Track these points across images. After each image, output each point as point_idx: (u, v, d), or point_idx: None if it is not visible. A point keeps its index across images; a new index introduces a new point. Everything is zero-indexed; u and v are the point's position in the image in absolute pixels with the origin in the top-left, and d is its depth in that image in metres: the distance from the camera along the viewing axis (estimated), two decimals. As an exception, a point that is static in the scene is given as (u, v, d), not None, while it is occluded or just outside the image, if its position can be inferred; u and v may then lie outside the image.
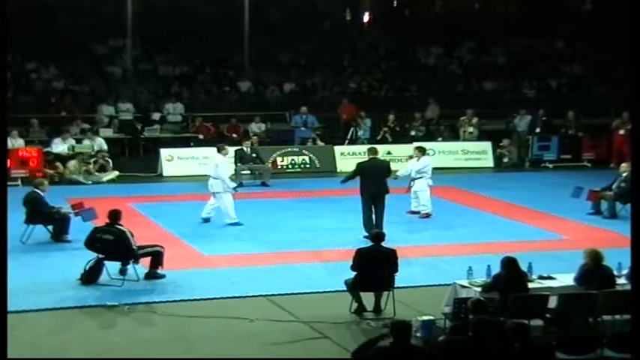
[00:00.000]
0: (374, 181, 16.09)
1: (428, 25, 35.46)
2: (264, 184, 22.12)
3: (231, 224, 17.15)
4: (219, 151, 17.86)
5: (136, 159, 25.73)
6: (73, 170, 22.43)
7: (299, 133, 26.61)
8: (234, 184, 17.84)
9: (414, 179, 18.07)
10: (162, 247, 13.57)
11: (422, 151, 18.58)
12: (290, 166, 24.78)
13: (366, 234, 15.23)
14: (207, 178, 17.42)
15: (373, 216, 16.03)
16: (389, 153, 24.01)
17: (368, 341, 8.96)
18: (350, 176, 16.66)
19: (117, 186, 21.91)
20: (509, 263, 10.97)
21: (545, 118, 27.07)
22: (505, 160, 25.77)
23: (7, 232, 11.56)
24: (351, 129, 26.88)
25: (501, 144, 26.03)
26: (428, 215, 18.11)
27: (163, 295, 12.69)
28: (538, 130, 26.62)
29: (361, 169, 16.32)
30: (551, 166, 25.66)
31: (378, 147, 19.26)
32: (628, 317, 10.10)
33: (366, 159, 16.95)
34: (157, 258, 13.37)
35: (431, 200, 18.21)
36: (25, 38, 27.23)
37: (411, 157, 19.07)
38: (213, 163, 17.56)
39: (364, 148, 21.29)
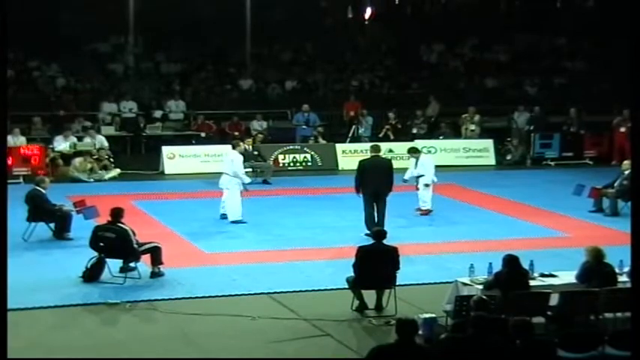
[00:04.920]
0: (375, 179, 16.04)
1: (429, 22, 35.40)
2: (265, 182, 22.09)
3: (235, 222, 17.18)
4: (234, 147, 17.78)
5: (137, 157, 25.75)
6: (78, 167, 22.44)
7: (301, 131, 26.60)
8: (248, 180, 17.68)
9: (418, 177, 18.04)
10: (159, 242, 13.57)
11: (416, 152, 18.57)
12: (292, 164, 24.74)
13: (368, 232, 15.22)
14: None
15: (375, 213, 16.04)
16: (390, 151, 23.96)
17: None
18: (357, 178, 16.25)
19: (119, 184, 21.90)
20: (511, 261, 10.97)
21: (533, 114, 27.02)
22: (508, 157, 25.76)
23: (6, 230, 11.55)
24: (353, 127, 26.87)
25: (508, 139, 26.04)
26: (428, 212, 18.10)
27: (165, 292, 12.68)
28: (532, 127, 26.58)
29: (363, 167, 16.29)
30: (552, 163, 25.64)
31: (380, 144, 19.22)
32: (629, 315, 10.10)
33: (368, 157, 16.92)
34: (156, 254, 13.37)
35: (432, 197, 18.17)
36: (27, 36, 27.23)
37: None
38: (228, 159, 17.48)
39: (366, 145, 21.23)
